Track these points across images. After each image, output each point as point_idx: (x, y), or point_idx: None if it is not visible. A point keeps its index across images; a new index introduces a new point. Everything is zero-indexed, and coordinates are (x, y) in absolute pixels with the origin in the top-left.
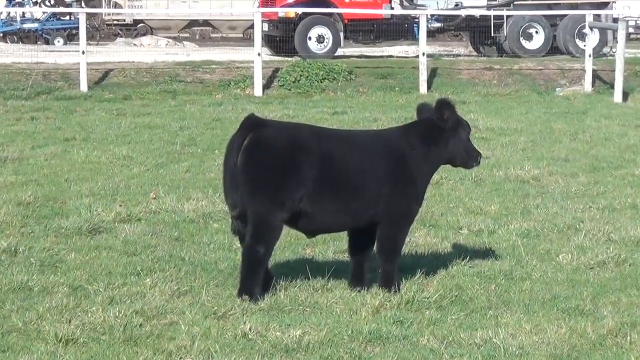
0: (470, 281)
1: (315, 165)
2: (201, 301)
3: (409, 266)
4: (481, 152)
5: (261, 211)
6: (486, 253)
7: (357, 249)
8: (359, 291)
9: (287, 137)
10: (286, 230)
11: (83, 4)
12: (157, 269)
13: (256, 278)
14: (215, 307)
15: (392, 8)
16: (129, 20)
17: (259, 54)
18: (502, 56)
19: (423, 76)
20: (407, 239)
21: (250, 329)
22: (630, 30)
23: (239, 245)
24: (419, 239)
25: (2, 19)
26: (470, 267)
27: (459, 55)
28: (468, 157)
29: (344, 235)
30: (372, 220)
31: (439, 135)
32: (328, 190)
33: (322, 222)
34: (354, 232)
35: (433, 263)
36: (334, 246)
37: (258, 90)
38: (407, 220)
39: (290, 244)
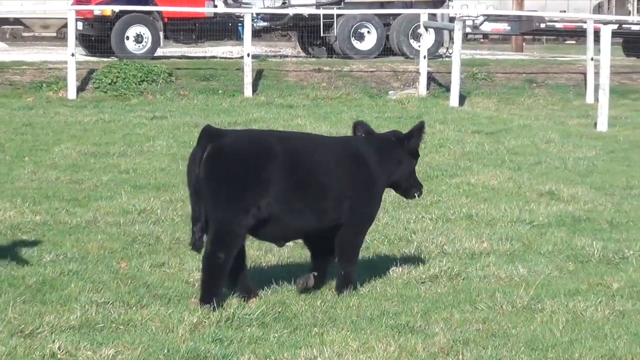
0: (294, 296)
1: (278, 171)
2: (7, 318)
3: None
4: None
5: (223, 218)
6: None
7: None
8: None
9: (248, 144)
10: (102, 241)
11: None
12: None
13: (218, 286)
14: (22, 325)
15: (215, 6)
16: None
17: (72, 54)
18: (332, 57)
19: (248, 78)
20: None
21: (59, 348)
22: (468, 30)
23: (49, 259)
24: None
25: None
26: (295, 281)
27: (286, 56)
28: (412, 185)
29: (160, 249)
30: (335, 225)
31: (395, 154)
32: (292, 196)
33: (287, 228)
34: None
35: (255, 277)
36: (150, 259)
37: (72, 93)
38: (369, 224)
39: (103, 257)
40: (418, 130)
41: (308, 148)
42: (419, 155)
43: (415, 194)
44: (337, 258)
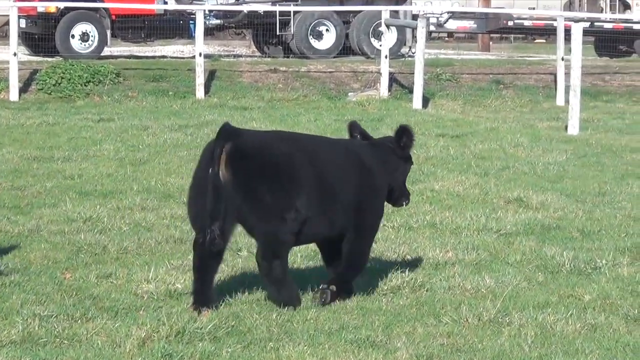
0: (248, 309)
1: (307, 172)
2: None
3: (179, 292)
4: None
5: (269, 229)
6: None
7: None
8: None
9: (273, 144)
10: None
11: None
12: None
13: (288, 287)
14: None
15: (165, 2)
16: None
17: (14, 54)
18: (288, 57)
19: (200, 79)
20: (180, 262)
21: None
22: (432, 28)
23: None
24: (192, 262)
25: None
26: (249, 293)
27: (240, 55)
28: (403, 193)
29: (107, 259)
30: (340, 232)
31: (394, 161)
32: (316, 200)
33: (309, 231)
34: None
35: None
36: (96, 270)
37: (14, 95)
38: (376, 231)
39: (46, 268)
40: (408, 134)
41: (323, 150)
42: (412, 162)
43: (404, 203)
44: (345, 267)
